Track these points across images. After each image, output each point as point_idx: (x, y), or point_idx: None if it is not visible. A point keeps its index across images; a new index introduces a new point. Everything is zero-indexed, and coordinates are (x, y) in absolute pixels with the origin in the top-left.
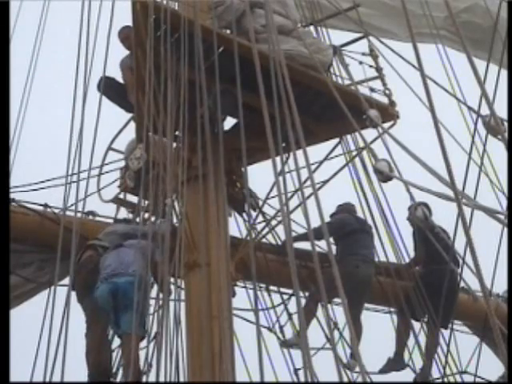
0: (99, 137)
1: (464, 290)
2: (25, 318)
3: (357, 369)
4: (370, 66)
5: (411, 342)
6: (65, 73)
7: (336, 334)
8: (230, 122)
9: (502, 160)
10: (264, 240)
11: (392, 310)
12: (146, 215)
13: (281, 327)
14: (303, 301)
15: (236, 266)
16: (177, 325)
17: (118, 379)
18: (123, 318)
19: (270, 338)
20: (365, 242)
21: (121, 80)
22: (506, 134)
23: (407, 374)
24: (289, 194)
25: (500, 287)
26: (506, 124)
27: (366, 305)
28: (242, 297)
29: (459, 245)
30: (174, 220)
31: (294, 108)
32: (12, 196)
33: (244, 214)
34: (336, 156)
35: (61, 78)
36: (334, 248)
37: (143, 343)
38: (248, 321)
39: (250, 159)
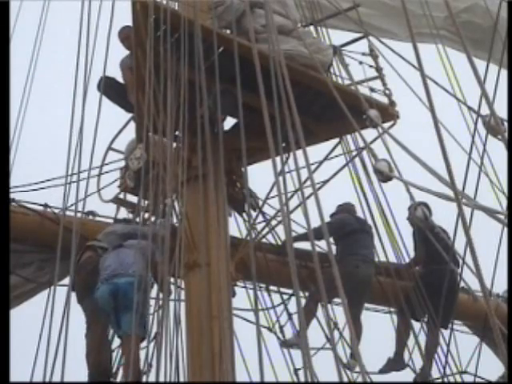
0: (99, 137)
1: (464, 289)
2: (25, 317)
3: (357, 369)
4: (370, 66)
5: (411, 342)
6: (65, 73)
7: (336, 334)
8: (229, 122)
9: (501, 160)
10: (264, 240)
11: (392, 309)
12: (146, 215)
13: (281, 327)
14: (303, 301)
15: (236, 266)
16: (177, 325)
17: (118, 379)
18: (124, 318)
19: (269, 338)
20: (365, 242)
21: (121, 80)
22: (506, 134)
23: (407, 374)
24: (289, 194)
25: (500, 287)
26: (506, 124)
27: (366, 305)
28: (242, 297)
29: (459, 245)
30: (174, 220)
31: (294, 108)
32: (12, 196)
33: (244, 214)
34: (336, 156)
35: (61, 78)
36: (334, 248)
37: (144, 343)
38: (248, 321)
39: (249, 159)
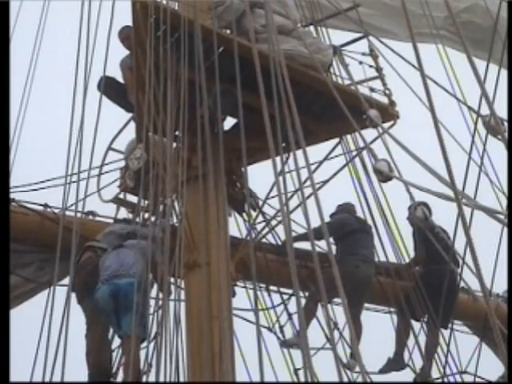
0: (99, 137)
1: (464, 289)
2: (25, 317)
3: (357, 369)
4: (370, 66)
5: (411, 342)
6: (65, 73)
7: (336, 334)
8: (229, 122)
9: (502, 160)
10: (264, 240)
11: (392, 309)
12: (146, 215)
13: (281, 327)
14: (303, 301)
15: (236, 266)
16: (177, 325)
17: (118, 379)
18: (124, 319)
19: (269, 338)
20: (365, 242)
21: (121, 80)
22: (506, 134)
23: (407, 374)
24: (289, 194)
25: (500, 287)
26: (506, 124)
27: (366, 305)
28: (241, 297)
29: (459, 245)
30: (174, 220)
31: (294, 108)
32: (12, 196)
33: (244, 214)
34: (336, 156)
35: (61, 78)
36: (334, 248)
37: (144, 344)
38: (248, 321)
39: (249, 159)
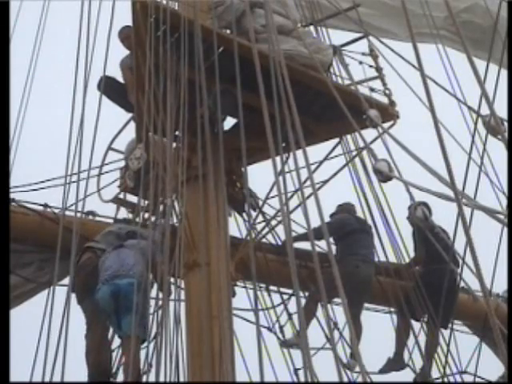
0: (99, 137)
1: (464, 289)
2: (25, 317)
3: (357, 369)
4: (370, 66)
5: (411, 342)
6: (65, 73)
7: (336, 334)
8: (229, 122)
9: (502, 160)
10: (264, 240)
11: (392, 309)
12: (146, 215)
13: (281, 327)
14: (303, 301)
15: (236, 266)
16: (177, 325)
17: (118, 379)
18: (125, 319)
19: (270, 338)
20: (365, 242)
21: (121, 80)
22: (506, 134)
23: (407, 374)
24: (289, 194)
25: (500, 287)
26: (506, 124)
27: (366, 305)
28: (241, 297)
29: (459, 245)
30: (174, 220)
31: (294, 108)
32: (12, 196)
33: (244, 214)
34: (336, 156)
35: (61, 78)
36: (334, 248)
37: (144, 344)
38: (248, 321)
39: (249, 159)
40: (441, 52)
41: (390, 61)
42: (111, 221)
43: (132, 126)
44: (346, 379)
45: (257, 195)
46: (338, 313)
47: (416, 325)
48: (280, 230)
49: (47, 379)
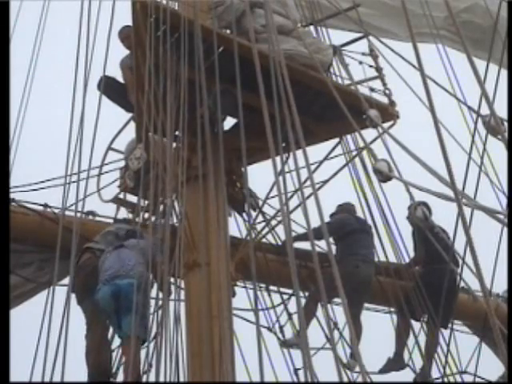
0: (99, 137)
1: (464, 289)
2: (25, 317)
3: (357, 369)
4: (370, 66)
5: (411, 341)
6: (65, 73)
7: (336, 334)
8: (229, 122)
9: (502, 160)
10: (264, 240)
11: (392, 309)
12: (146, 215)
13: (281, 327)
14: (303, 301)
15: (236, 266)
16: (177, 325)
17: (118, 379)
18: (125, 320)
19: (269, 338)
20: (365, 242)
21: (121, 80)
22: (506, 134)
23: (407, 374)
24: (289, 194)
25: (500, 287)
26: (506, 124)
27: (366, 305)
28: (242, 297)
29: (459, 245)
30: (174, 220)
31: (294, 108)
32: (12, 196)
33: (244, 214)
34: (336, 156)
35: (61, 78)
36: (333, 248)
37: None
38: (248, 321)
39: (249, 159)
40: (441, 52)
41: (390, 61)
42: (111, 221)
43: (132, 125)
44: (345, 379)
45: (257, 195)
46: (338, 313)
47: (416, 325)
48: (280, 230)
49: (47, 379)
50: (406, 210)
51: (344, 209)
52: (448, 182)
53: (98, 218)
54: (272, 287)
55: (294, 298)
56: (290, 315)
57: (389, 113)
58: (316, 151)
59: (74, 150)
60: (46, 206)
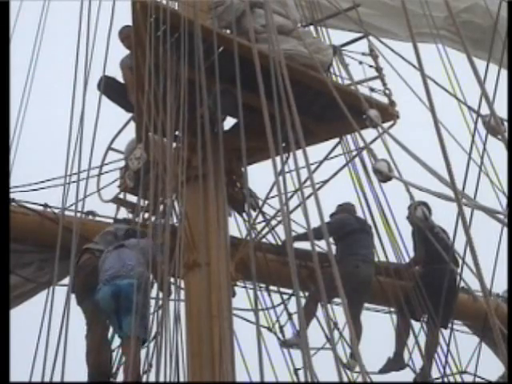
0: (99, 137)
1: (464, 289)
2: (25, 317)
3: (357, 369)
4: (370, 66)
5: (411, 341)
6: (65, 72)
7: (336, 333)
8: (229, 122)
9: (502, 160)
10: (264, 240)
11: (392, 309)
12: (146, 215)
13: (281, 327)
14: (303, 301)
15: (236, 266)
16: (177, 325)
17: (118, 379)
18: (125, 320)
19: (269, 338)
20: (365, 242)
21: (121, 79)
22: (506, 134)
23: (407, 374)
24: (289, 194)
25: (500, 287)
26: (506, 124)
27: (366, 305)
28: (241, 297)
29: (459, 245)
30: (174, 220)
31: (294, 108)
32: (12, 196)
33: (244, 214)
34: (336, 156)
35: (61, 78)
36: (333, 248)
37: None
38: (248, 321)
39: (249, 159)
40: (441, 52)
41: (390, 61)
42: (111, 221)
43: (132, 125)
44: (345, 379)
45: (257, 195)
46: (338, 313)
47: (416, 325)
48: (280, 230)
49: (47, 379)
50: (406, 209)
51: (344, 209)
52: (448, 182)
53: (97, 218)
54: (272, 287)
55: (294, 298)
56: (290, 315)
57: (389, 113)
58: (316, 151)
59: (74, 149)
60: (46, 206)
